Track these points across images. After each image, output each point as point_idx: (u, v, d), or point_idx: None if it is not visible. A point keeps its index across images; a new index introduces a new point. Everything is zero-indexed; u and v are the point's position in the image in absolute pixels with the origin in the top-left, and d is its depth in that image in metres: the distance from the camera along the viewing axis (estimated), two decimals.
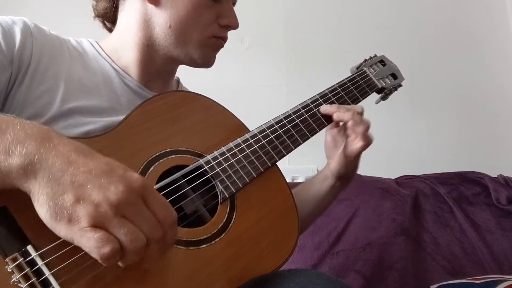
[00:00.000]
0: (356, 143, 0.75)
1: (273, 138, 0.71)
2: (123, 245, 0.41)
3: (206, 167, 0.63)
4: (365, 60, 0.91)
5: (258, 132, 0.71)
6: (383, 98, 0.90)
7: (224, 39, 0.77)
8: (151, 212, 0.43)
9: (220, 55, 0.79)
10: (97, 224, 0.40)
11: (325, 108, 0.78)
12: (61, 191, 0.41)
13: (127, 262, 0.43)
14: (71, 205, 0.40)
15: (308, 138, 0.75)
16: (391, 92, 0.90)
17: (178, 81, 0.89)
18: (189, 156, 0.64)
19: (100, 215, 0.40)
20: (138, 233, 0.42)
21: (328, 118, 0.78)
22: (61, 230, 0.41)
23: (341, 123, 0.81)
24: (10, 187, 0.43)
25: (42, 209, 0.41)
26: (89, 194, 0.41)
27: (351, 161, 0.78)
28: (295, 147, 0.73)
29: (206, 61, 0.76)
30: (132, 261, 0.43)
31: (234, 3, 0.80)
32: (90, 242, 0.40)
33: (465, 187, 1.33)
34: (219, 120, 0.71)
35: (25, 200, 0.44)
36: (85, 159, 0.44)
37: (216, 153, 0.65)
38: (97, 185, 0.41)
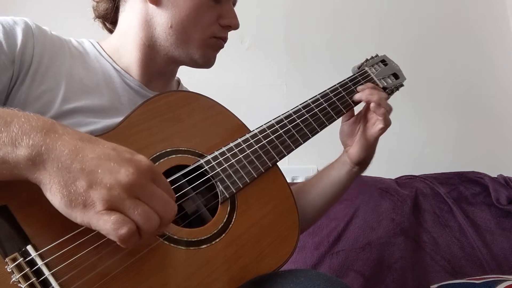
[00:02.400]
0: (377, 125, 0.78)
1: (274, 138, 0.71)
2: (138, 225, 0.42)
3: (206, 167, 0.63)
4: (367, 60, 0.90)
5: (259, 132, 0.71)
6: None
7: (224, 39, 0.77)
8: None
9: (220, 55, 0.79)
10: (111, 207, 0.42)
11: (359, 96, 0.80)
12: (72, 178, 0.42)
13: (145, 241, 0.45)
14: (84, 191, 0.41)
15: (309, 138, 0.75)
16: (392, 92, 0.90)
17: (178, 82, 0.89)
18: (189, 156, 0.64)
19: (114, 198, 0.41)
20: (152, 212, 0.43)
21: (331, 118, 0.78)
22: (77, 216, 0.42)
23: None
24: (19, 178, 0.43)
25: (56, 197, 0.42)
26: (101, 179, 0.42)
27: (371, 144, 0.80)
28: (296, 147, 0.73)
29: (206, 61, 0.77)
30: (149, 240, 0.45)
31: (234, 3, 0.80)
32: (107, 224, 0.41)
33: (465, 187, 1.33)
34: (219, 120, 0.71)
35: (27, 199, 0.45)
36: (91, 145, 0.44)
37: (216, 153, 0.65)
38: (108, 169, 0.42)
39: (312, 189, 0.86)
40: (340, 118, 0.82)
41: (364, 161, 0.83)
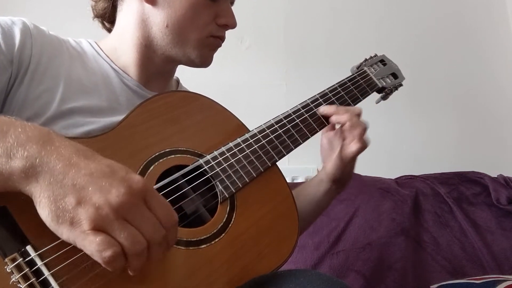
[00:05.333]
0: (352, 146, 0.74)
1: (273, 138, 0.71)
2: (124, 248, 0.41)
3: (205, 167, 0.63)
4: (366, 60, 0.91)
5: (258, 132, 0.71)
6: (384, 97, 0.90)
7: (222, 38, 0.76)
8: (153, 213, 0.43)
9: (219, 55, 0.79)
10: (98, 227, 0.40)
11: (323, 109, 0.77)
12: (62, 194, 0.41)
13: (133, 266, 0.43)
14: (72, 208, 0.40)
15: (308, 138, 0.75)
16: (391, 91, 0.90)
17: (177, 81, 0.89)
18: (189, 156, 0.63)
19: (101, 218, 0.40)
20: (139, 236, 0.42)
21: (328, 118, 0.78)
22: (63, 233, 0.41)
23: (337, 126, 0.79)
24: (12, 189, 0.43)
25: (44, 212, 0.41)
26: (90, 197, 0.41)
27: (347, 164, 0.76)
28: (295, 147, 0.73)
29: (203, 61, 0.76)
30: (137, 265, 0.43)
31: (232, 2, 0.79)
32: (91, 246, 0.40)
33: (465, 187, 1.33)
34: (219, 120, 0.71)
35: (26, 201, 0.44)
36: (86, 161, 0.43)
37: (215, 153, 0.65)
38: (98, 187, 0.41)
39: None
40: None
41: (340, 179, 0.78)
